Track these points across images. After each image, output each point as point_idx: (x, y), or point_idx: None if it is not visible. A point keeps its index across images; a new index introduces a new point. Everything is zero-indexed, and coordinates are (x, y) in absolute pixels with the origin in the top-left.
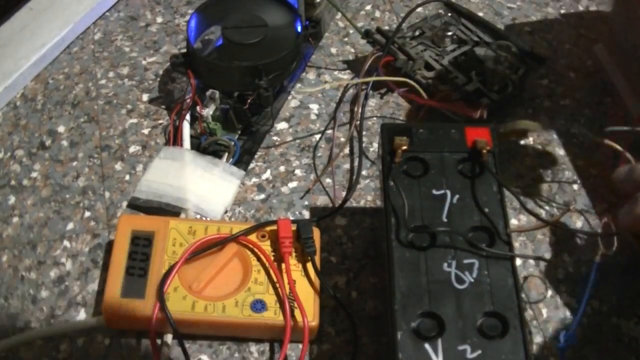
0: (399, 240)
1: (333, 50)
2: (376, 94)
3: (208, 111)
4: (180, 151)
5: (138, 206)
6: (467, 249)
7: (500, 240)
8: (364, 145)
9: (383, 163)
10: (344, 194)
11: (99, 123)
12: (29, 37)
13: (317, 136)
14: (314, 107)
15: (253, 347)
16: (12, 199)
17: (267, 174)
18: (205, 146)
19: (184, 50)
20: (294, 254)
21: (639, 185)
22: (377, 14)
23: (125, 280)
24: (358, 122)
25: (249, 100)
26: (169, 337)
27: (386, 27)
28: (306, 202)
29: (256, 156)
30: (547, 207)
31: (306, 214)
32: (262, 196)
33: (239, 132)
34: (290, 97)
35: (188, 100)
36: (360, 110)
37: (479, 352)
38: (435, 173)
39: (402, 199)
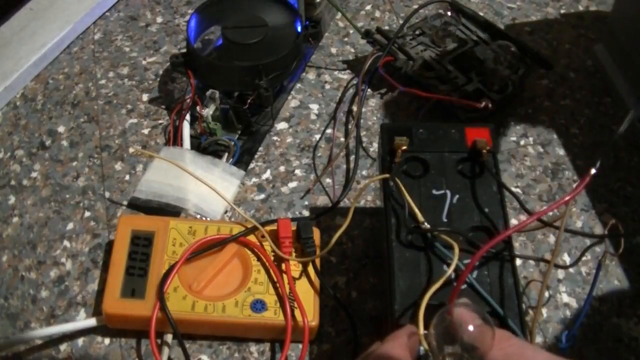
0: (399, 240)
1: (333, 50)
2: (376, 94)
3: (208, 111)
4: (180, 151)
5: (138, 206)
6: (467, 249)
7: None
8: (364, 145)
9: (383, 163)
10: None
11: (99, 123)
12: (29, 37)
13: (317, 136)
14: (314, 107)
15: (253, 347)
16: (12, 199)
17: (267, 174)
18: (205, 146)
19: (184, 50)
20: (294, 254)
21: None
22: (377, 14)
23: (125, 280)
24: (358, 122)
25: (249, 100)
26: (169, 337)
27: (386, 27)
28: (306, 202)
29: (256, 156)
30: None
31: (306, 214)
32: (262, 196)
33: (239, 132)
34: (290, 97)
35: (188, 100)
36: (359, 110)
37: None
38: (435, 173)
39: (402, 199)
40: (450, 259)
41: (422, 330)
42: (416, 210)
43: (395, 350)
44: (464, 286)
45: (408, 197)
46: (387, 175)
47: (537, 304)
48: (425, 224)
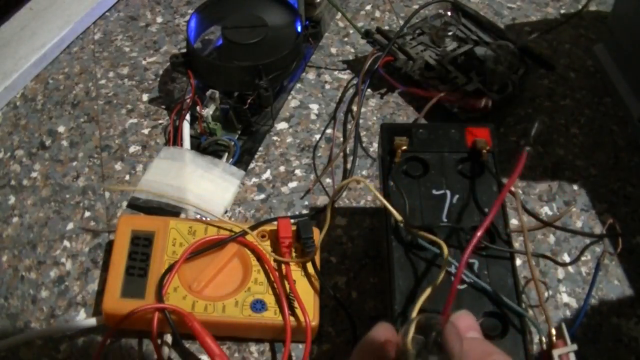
0: (399, 240)
1: (333, 50)
2: (376, 94)
3: (208, 111)
4: (180, 151)
5: (138, 206)
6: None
7: (500, 240)
8: (363, 145)
9: (383, 163)
10: (345, 193)
11: (99, 123)
12: (29, 37)
13: (317, 136)
14: (314, 107)
15: (253, 347)
16: (12, 199)
17: (267, 174)
18: (205, 146)
19: (184, 50)
20: (293, 254)
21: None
22: (377, 14)
23: (125, 280)
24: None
25: (249, 100)
26: (169, 337)
27: (386, 27)
28: (306, 202)
29: (256, 156)
30: (547, 207)
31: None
32: (262, 196)
33: (239, 132)
34: (290, 97)
35: (188, 100)
36: (359, 110)
37: None
38: (435, 173)
39: (402, 199)
40: (449, 260)
41: (409, 345)
42: (392, 209)
43: None
44: (464, 286)
45: (382, 198)
46: (357, 178)
47: (517, 297)
48: (404, 221)
